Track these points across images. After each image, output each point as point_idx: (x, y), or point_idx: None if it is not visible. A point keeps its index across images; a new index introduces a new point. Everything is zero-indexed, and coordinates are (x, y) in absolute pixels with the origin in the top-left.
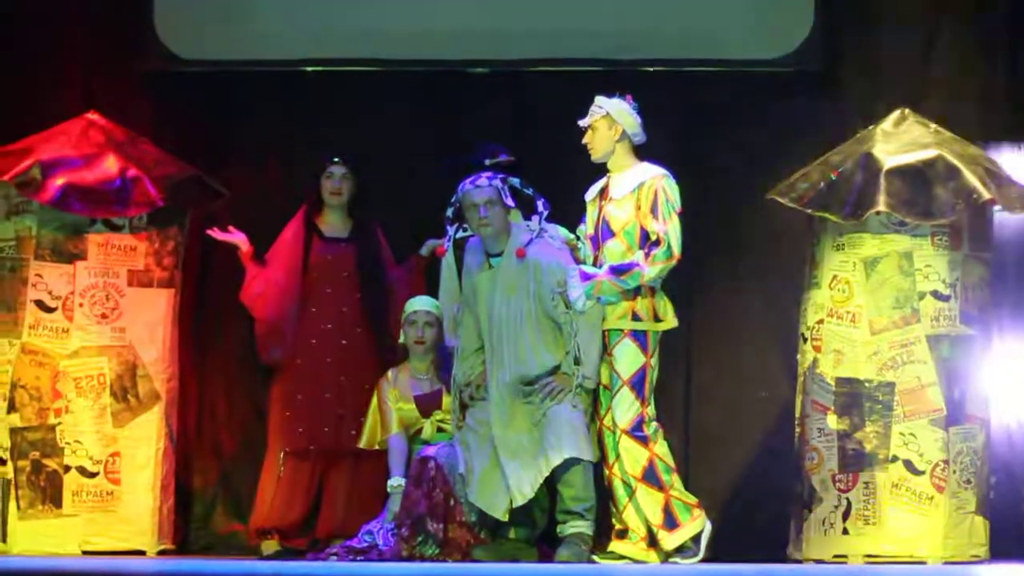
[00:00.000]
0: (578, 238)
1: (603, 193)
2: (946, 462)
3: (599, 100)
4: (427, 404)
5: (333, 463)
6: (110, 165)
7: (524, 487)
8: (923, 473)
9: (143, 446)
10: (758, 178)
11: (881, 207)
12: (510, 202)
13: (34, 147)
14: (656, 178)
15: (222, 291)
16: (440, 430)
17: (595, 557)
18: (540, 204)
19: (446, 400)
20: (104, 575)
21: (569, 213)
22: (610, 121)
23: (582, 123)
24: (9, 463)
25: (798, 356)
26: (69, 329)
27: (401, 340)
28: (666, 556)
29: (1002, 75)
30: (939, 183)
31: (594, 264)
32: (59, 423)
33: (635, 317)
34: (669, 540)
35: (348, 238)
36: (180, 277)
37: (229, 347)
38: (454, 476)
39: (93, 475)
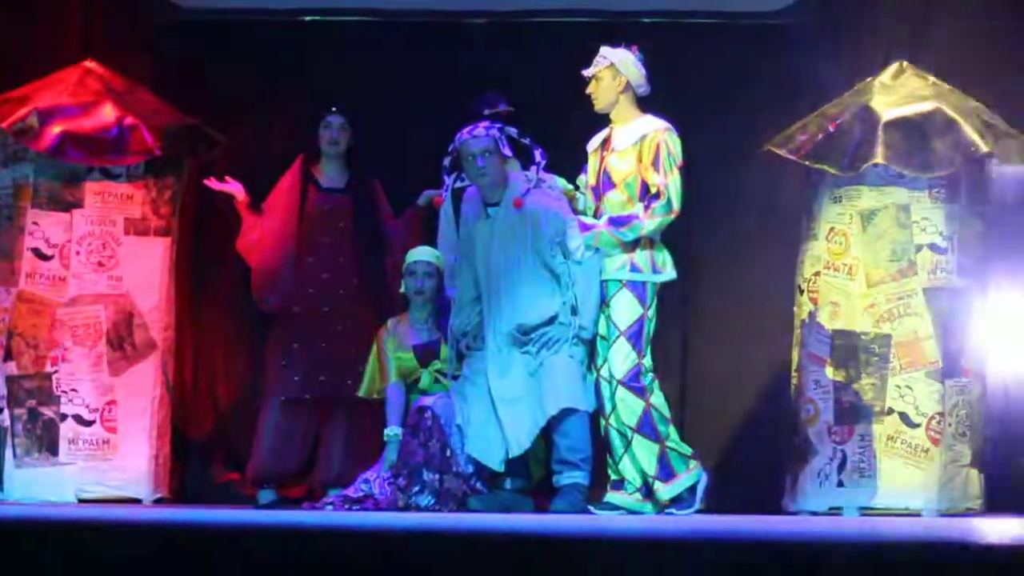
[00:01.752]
0: (578, 188)
1: (605, 144)
2: (942, 415)
3: (604, 50)
4: (425, 353)
5: (330, 412)
6: (107, 113)
7: (521, 437)
8: (919, 426)
9: (139, 395)
10: (756, 130)
11: (879, 159)
12: (507, 152)
13: (31, 95)
14: (659, 131)
15: (219, 240)
16: (438, 380)
17: (591, 507)
18: (537, 154)
19: (444, 350)
20: (100, 523)
21: (568, 163)
22: (614, 72)
23: (586, 73)
24: (5, 411)
25: (795, 308)
26: (66, 277)
27: (402, 290)
28: (662, 507)
29: (1002, 27)
30: (937, 136)
31: (595, 215)
32: (55, 371)
33: (633, 268)
34: (665, 491)
35: (345, 188)
36: (177, 226)
37: (226, 296)
38: (451, 426)
39: (89, 423)
